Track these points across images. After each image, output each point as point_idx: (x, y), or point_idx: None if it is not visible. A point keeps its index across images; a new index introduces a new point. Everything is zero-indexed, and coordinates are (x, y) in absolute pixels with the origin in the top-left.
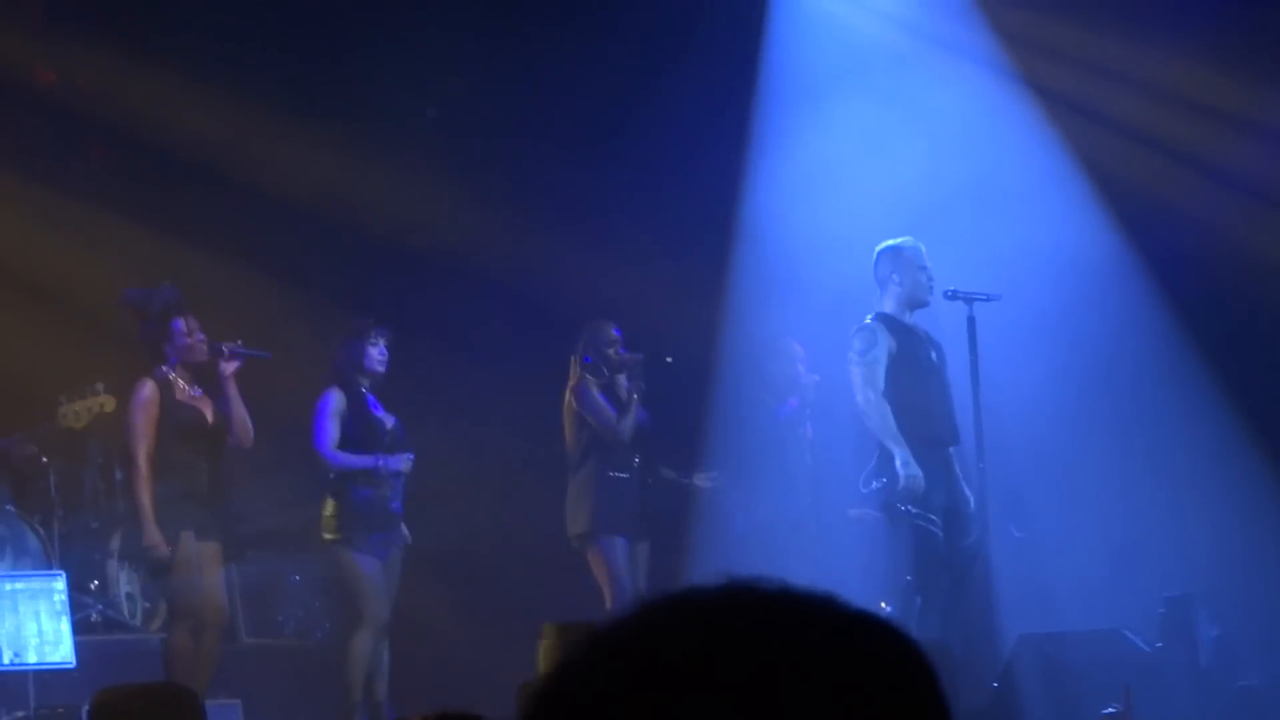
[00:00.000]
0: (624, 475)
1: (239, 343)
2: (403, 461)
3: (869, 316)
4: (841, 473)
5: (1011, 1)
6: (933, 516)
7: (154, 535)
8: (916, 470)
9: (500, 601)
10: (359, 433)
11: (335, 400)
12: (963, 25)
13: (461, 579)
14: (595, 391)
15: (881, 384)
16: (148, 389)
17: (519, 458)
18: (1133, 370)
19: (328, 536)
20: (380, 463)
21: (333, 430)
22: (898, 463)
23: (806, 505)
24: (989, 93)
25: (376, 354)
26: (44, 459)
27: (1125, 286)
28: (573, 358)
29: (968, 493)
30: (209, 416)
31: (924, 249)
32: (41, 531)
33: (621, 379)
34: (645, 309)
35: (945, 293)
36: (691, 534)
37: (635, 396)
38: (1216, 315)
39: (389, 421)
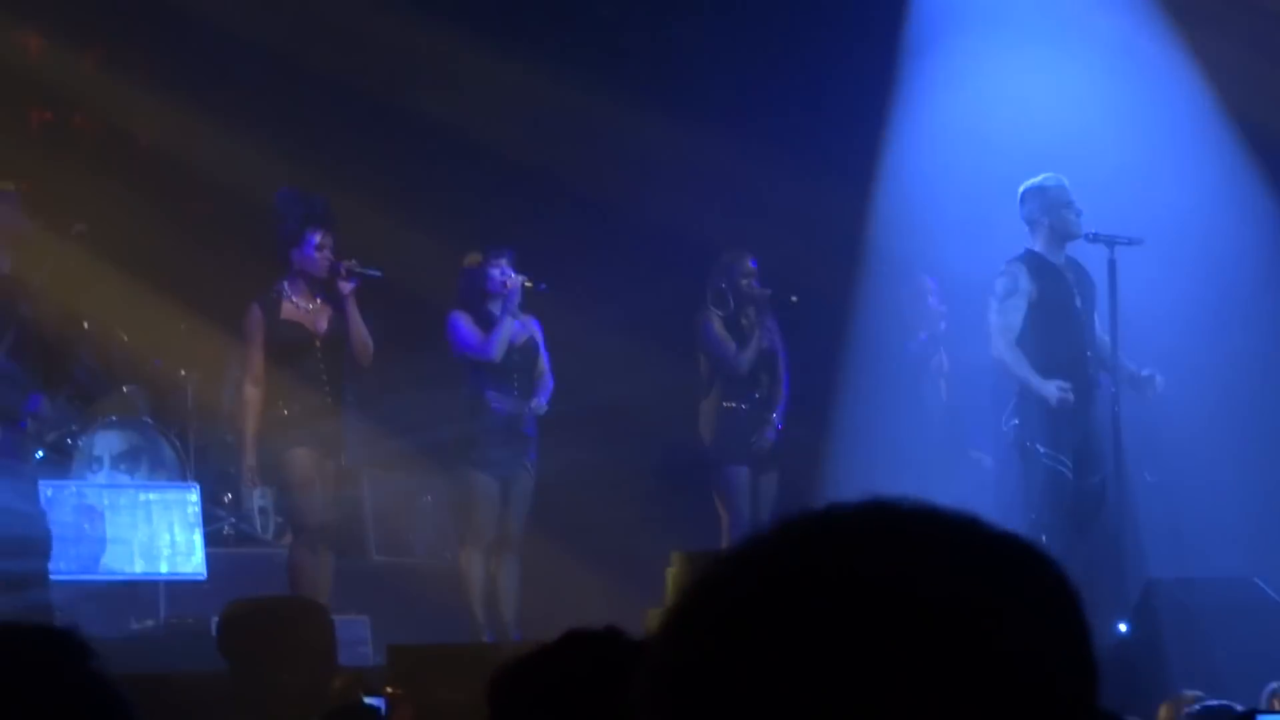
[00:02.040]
0: (744, 406)
1: (354, 261)
2: (516, 296)
3: (1020, 252)
4: (977, 406)
5: None
6: (1063, 458)
7: (250, 460)
8: (1055, 393)
9: (630, 525)
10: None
11: (462, 317)
12: None
13: (593, 506)
14: (716, 324)
15: (1016, 331)
16: (253, 314)
17: (652, 384)
18: (1276, 318)
19: (455, 450)
20: (507, 317)
21: (475, 331)
22: (1045, 394)
23: (940, 439)
24: (1136, 30)
25: (499, 274)
26: (183, 371)
27: (1270, 239)
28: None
29: (1100, 434)
30: (322, 328)
31: (1068, 183)
32: (177, 443)
33: (750, 310)
34: (781, 241)
35: (1086, 235)
36: (821, 467)
37: (757, 332)
38: None
39: (521, 338)
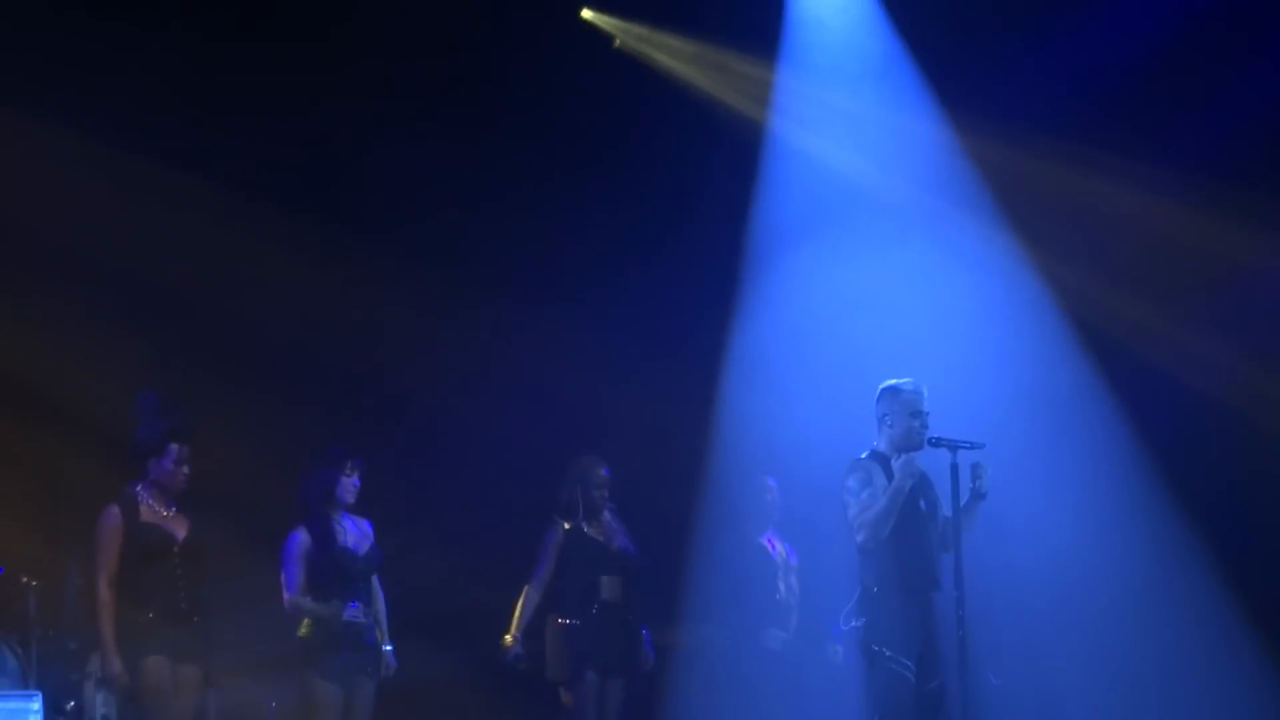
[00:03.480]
0: (582, 619)
1: None
2: (351, 613)
3: (864, 453)
4: (825, 611)
5: (995, 139)
6: (907, 661)
7: (115, 665)
8: (909, 462)
9: None
10: (327, 567)
11: (301, 541)
12: (946, 166)
13: (437, 714)
14: (557, 537)
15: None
16: (112, 515)
17: (495, 592)
18: (1113, 519)
19: (299, 658)
20: (332, 612)
21: (298, 574)
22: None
23: (787, 642)
24: (976, 236)
25: (350, 485)
26: (24, 579)
27: (1103, 434)
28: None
29: (942, 638)
30: (180, 535)
31: (925, 392)
32: (20, 651)
33: (605, 517)
34: (631, 443)
35: (930, 440)
36: (672, 668)
37: (603, 541)
38: (1194, 462)
39: (363, 546)
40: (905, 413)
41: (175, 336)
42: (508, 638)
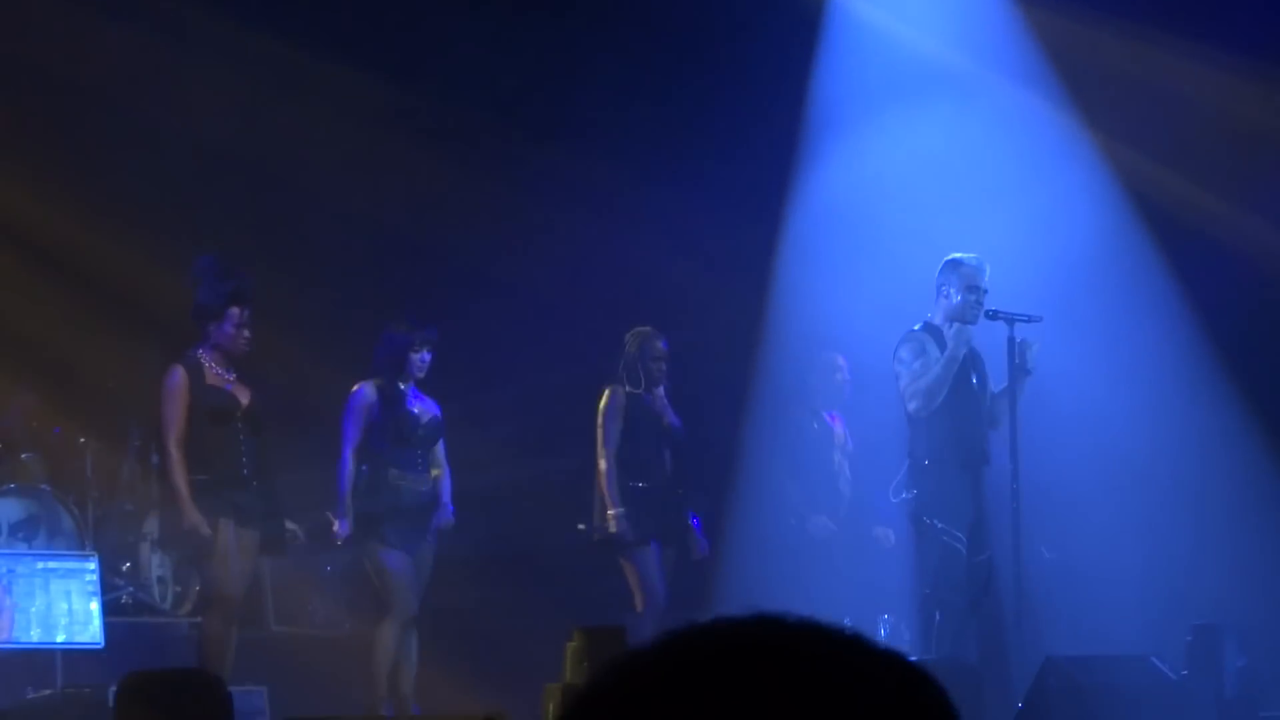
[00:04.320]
0: (645, 485)
1: None
2: (344, 526)
3: (918, 325)
4: (879, 485)
5: (1059, 14)
6: (958, 533)
7: (194, 516)
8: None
9: (530, 602)
10: (388, 426)
11: (366, 393)
12: (1009, 40)
13: (492, 579)
14: (620, 399)
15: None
16: (177, 375)
17: (551, 462)
18: (1169, 396)
19: (357, 529)
20: (340, 516)
21: (354, 430)
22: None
23: (842, 516)
24: (1032, 107)
25: (419, 360)
26: (81, 439)
27: (1162, 312)
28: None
29: (992, 511)
30: (244, 400)
31: (987, 269)
32: (76, 512)
33: (659, 391)
34: (688, 316)
35: (986, 312)
36: (723, 541)
37: (663, 419)
38: (1254, 343)
39: (425, 415)
40: (963, 285)
41: (237, 204)
42: (611, 514)
